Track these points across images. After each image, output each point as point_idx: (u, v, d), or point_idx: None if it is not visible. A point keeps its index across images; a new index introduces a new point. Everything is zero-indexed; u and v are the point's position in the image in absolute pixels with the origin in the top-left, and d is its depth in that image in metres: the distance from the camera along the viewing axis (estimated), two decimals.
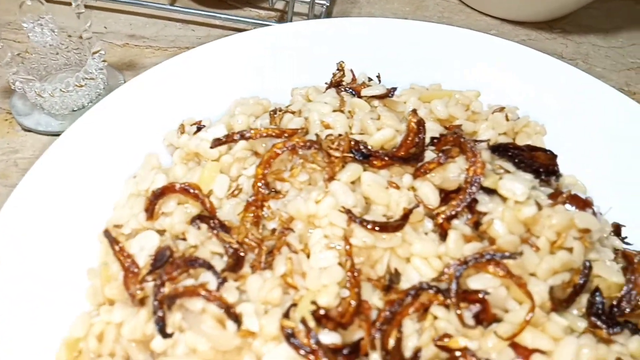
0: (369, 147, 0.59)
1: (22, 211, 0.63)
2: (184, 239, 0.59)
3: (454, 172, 0.58)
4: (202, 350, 0.52)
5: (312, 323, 0.50)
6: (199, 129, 0.70)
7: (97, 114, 0.72)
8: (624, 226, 0.66)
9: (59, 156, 0.68)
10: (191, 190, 0.60)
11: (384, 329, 0.51)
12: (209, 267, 0.54)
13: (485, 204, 0.56)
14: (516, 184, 0.55)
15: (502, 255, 0.52)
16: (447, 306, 0.52)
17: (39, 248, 0.62)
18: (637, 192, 0.71)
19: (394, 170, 0.60)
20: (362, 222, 0.54)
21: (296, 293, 0.54)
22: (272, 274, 0.55)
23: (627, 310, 0.53)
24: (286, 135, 0.62)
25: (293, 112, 0.69)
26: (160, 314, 0.53)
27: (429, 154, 0.60)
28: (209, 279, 0.53)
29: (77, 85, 0.82)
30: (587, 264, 0.54)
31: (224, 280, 0.54)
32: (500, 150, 0.63)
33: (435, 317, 0.52)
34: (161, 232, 0.61)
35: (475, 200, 0.56)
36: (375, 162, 0.59)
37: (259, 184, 0.59)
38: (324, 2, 1.02)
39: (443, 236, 0.56)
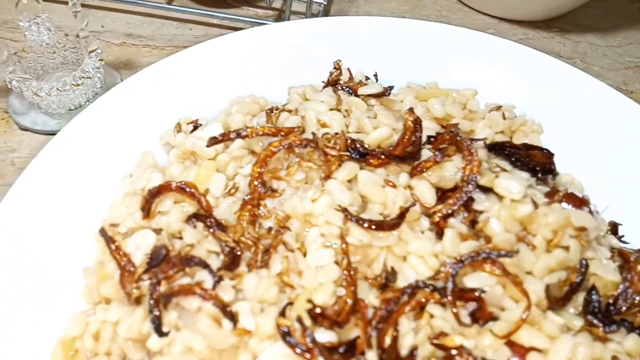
0: (366, 146, 0.59)
1: (18, 210, 0.63)
2: (181, 238, 0.59)
3: (451, 170, 0.58)
4: (198, 349, 0.52)
5: (308, 321, 0.50)
6: (195, 128, 0.70)
7: (93, 113, 0.72)
8: (620, 225, 0.66)
9: (55, 155, 0.68)
10: (187, 189, 0.60)
11: (380, 327, 0.51)
12: (205, 265, 0.54)
13: (481, 202, 0.56)
14: (512, 183, 0.55)
15: (498, 253, 0.52)
16: (443, 304, 0.52)
17: (35, 247, 0.62)
18: (635, 191, 0.71)
19: (390, 169, 0.60)
20: (359, 221, 0.54)
21: (292, 292, 0.54)
22: (269, 273, 0.55)
23: (624, 308, 0.53)
24: (282, 133, 0.62)
25: (290, 111, 0.69)
26: (156, 312, 0.53)
27: (426, 153, 0.60)
28: (205, 278, 0.53)
29: (74, 84, 0.81)
30: (584, 262, 0.54)
31: (220, 278, 0.53)
32: (497, 148, 0.63)
33: (432, 316, 0.52)
34: (157, 231, 0.61)
35: (471, 199, 0.56)
36: (371, 161, 0.59)
37: (256, 183, 0.59)
38: (321, 0, 1.02)
39: (439, 235, 0.56)
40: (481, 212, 0.56)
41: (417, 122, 0.61)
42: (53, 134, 0.72)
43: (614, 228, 0.66)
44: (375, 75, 0.79)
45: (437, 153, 0.58)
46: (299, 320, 0.50)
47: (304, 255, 0.55)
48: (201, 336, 0.52)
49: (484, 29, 1.03)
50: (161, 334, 0.53)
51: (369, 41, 0.85)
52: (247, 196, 0.59)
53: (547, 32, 1.08)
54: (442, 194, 0.58)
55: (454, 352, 0.49)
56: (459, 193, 0.56)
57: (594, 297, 0.53)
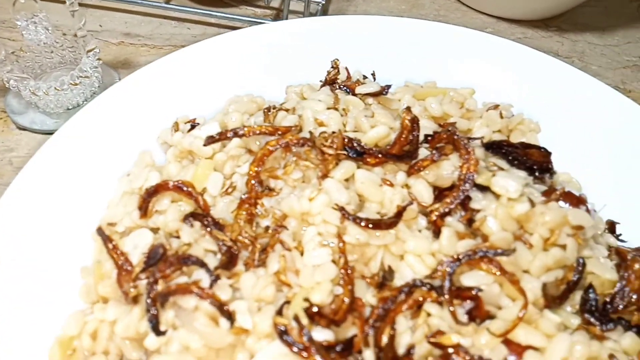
0: (363, 145, 0.59)
1: (16, 210, 0.63)
2: (178, 237, 0.59)
3: (448, 169, 0.58)
4: (195, 348, 0.52)
5: (305, 320, 0.50)
6: (193, 127, 0.70)
7: (91, 112, 0.72)
8: (618, 223, 0.66)
9: (53, 154, 0.68)
10: (185, 188, 0.60)
11: (378, 326, 0.51)
12: (202, 264, 0.54)
13: (478, 201, 0.56)
14: (509, 181, 0.55)
15: (495, 252, 0.52)
16: (440, 303, 0.52)
17: (33, 246, 0.62)
18: (633, 190, 0.71)
19: (387, 168, 0.60)
20: (356, 220, 0.54)
21: (290, 290, 0.54)
22: (266, 272, 0.55)
23: (621, 306, 0.53)
24: (280, 132, 0.62)
25: (287, 110, 0.68)
26: (153, 311, 0.53)
27: (423, 152, 0.60)
28: (202, 277, 0.53)
29: (72, 83, 0.81)
30: (581, 260, 0.54)
31: (217, 277, 0.53)
32: (494, 147, 0.63)
33: (429, 314, 0.52)
34: (155, 230, 0.61)
35: (468, 198, 0.56)
36: (369, 160, 0.59)
37: (253, 182, 0.59)
38: (319, 0, 1.02)
39: (437, 233, 0.56)
40: (478, 211, 0.56)
41: (415, 121, 0.61)
42: (51, 133, 0.72)
43: (611, 227, 0.66)
44: (373, 74, 0.79)
45: (434, 152, 0.58)
46: (296, 319, 0.50)
47: (301, 254, 0.55)
48: (198, 335, 0.52)
49: (482, 28, 1.03)
50: (158, 333, 0.53)
51: (367, 40, 0.85)
52: (245, 195, 0.59)
53: (545, 31, 1.09)
54: (440, 193, 0.58)
55: (451, 350, 0.49)
56: (456, 192, 0.56)
57: (591, 295, 0.53)
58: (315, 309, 0.50)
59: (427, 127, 0.65)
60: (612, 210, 0.66)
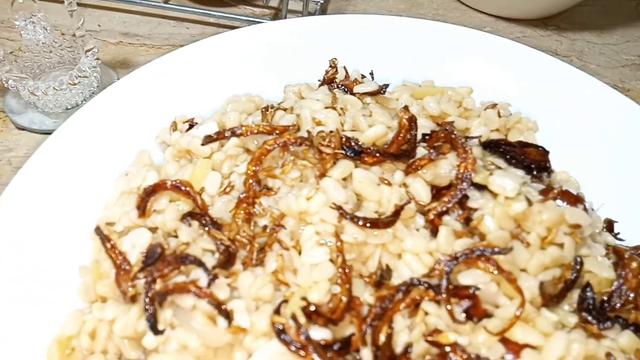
0: (361, 144, 0.59)
1: (14, 209, 0.63)
2: (176, 236, 0.59)
3: (445, 168, 0.58)
4: (193, 347, 0.52)
5: (302, 319, 0.50)
6: (191, 127, 0.70)
7: (89, 112, 0.72)
8: (616, 222, 0.66)
9: (51, 154, 0.68)
10: (183, 188, 0.60)
11: (375, 324, 0.51)
12: (200, 264, 0.54)
13: (476, 200, 0.56)
14: (506, 180, 0.55)
15: (492, 250, 0.52)
16: (437, 302, 0.52)
17: (32, 246, 0.62)
18: (631, 189, 0.71)
19: (385, 167, 0.60)
20: (353, 219, 0.54)
21: (287, 289, 0.54)
22: (264, 271, 0.55)
23: (618, 305, 0.53)
24: (277, 132, 0.62)
25: (285, 109, 0.69)
26: (151, 310, 0.53)
27: (421, 151, 0.60)
28: (200, 276, 0.53)
29: (71, 83, 0.82)
30: (579, 259, 0.54)
31: (215, 277, 0.54)
32: (492, 146, 0.63)
33: (426, 313, 0.52)
34: (153, 230, 0.61)
35: (466, 196, 0.56)
36: (366, 159, 0.59)
37: (251, 181, 0.59)
38: None
39: (434, 232, 0.56)
40: (475, 210, 0.56)
41: (412, 120, 0.61)
42: (50, 133, 0.72)
43: (609, 225, 0.66)
44: (371, 74, 0.79)
45: (431, 151, 0.58)
46: (294, 317, 0.50)
47: (299, 253, 0.55)
48: (196, 334, 0.52)
49: (480, 28, 1.03)
50: (156, 332, 0.53)
51: (366, 39, 0.85)
52: (243, 194, 0.59)
53: (544, 30, 1.09)
54: (437, 192, 0.58)
55: (448, 349, 0.49)
56: (453, 191, 0.56)
57: (589, 294, 0.53)
58: (312, 308, 0.50)
59: (424, 126, 0.65)
60: (610, 209, 0.66)
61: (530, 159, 0.62)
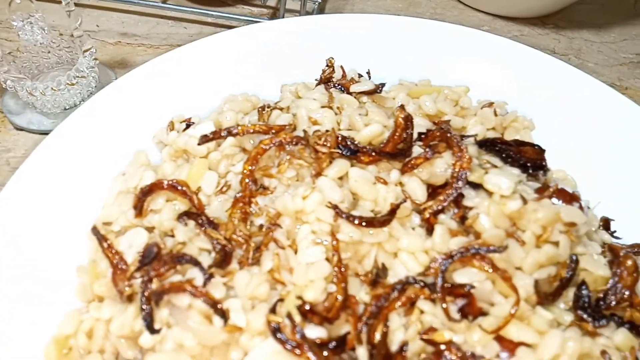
0: (357, 143, 0.59)
1: (12, 209, 0.63)
2: (172, 236, 0.60)
3: (441, 167, 0.58)
4: (189, 346, 0.52)
5: (298, 318, 0.50)
6: (188, 126, 0.70)
7: (87, 112, 0.72)
8: (613, 220, 0.66)
9: (49, 154, 0.68)
10: (179, 187, 0.60)
11: (371, 323, 0.51)
12: (196, 263, 0.54)
13: (471, 198, 0.56)
14: (502, 179, 0.55)
15: (487, 249, 0.52)
16: (433, 300, 0.52)
17: (29, 246, 0.62)
18: (628, 187, 0.71)
19: (381, 166, 0.60)
20: (349, 218, 0.54)
21: (283, 288, 0.54)
22: (260, 270, 0.55)
23: (613, 303, 0.54)
24: (274, 131, 0.62)
25: (281, 109, 0.69)
26: (147, 310, 0.53)
27: (417, 150, 0.60)
28: (196, 275, 0.53)
29: (69, 83, 0.82)
30: (574, 257, 0.54)
31: (211, 276, 0.54)
32: (488, 145, 0.63)
33: (422, 311, 0.52)
34: (150, 229, 0.61)
35: (461, 195, 0.56)
36: (362, 158, 0.59)
37: (247, 181, 0.59)
38: None
39: (430, 231, 0.56)
40: (471, 208, 0.56)
41: (408, 119, 0.61)
42: (48, 133, 0.72)
43: (606, 223, 0.66)
44: (368, 73, 0.80)
45: (427, 150, 0.58)
46: (289, 316, 0.50)
47: (295, 252, 0.55)
48: (192, 333, 0.52)
49: (478, 26, 1.04)
50: (153, 331, 0.53)
51: (363, 39, 0.85)
52: (239, 194, 0.59)
53: (542, 29, 1.09)
54: (433, 191, 0.58)
55: (443, 347, 0.50)
56: (449, 189, 0.56)
57: (584, 292, 0.53)
58: (308, 307, 0.50)
59: (421, 125, 0.65)
60: (607, 207, 0.66)
61: (526, 158, 0.62)
